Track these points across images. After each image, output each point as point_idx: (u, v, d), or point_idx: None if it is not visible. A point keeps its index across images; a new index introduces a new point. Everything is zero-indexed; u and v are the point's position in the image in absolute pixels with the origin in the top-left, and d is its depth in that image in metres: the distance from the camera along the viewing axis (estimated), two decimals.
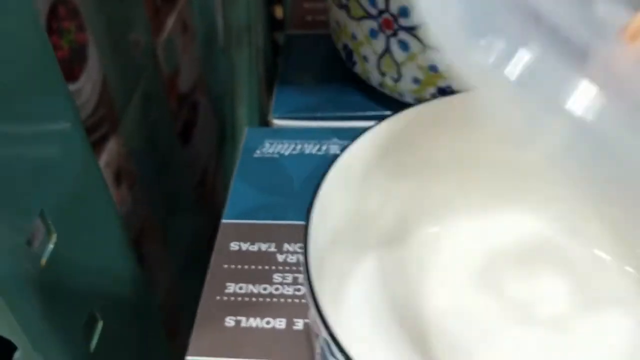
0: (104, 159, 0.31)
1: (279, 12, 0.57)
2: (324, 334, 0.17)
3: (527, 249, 0.24)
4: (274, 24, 0.57)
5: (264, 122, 0.39)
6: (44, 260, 0.20)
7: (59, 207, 0.20)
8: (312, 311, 0.17)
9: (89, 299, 0.23)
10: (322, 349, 0.17)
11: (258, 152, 0.30)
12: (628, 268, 0.23)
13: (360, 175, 0.22)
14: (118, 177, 0.33)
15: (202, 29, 0.47)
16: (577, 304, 0.23)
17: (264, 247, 0.26)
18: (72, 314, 0.22)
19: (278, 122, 0.31)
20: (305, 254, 0.18)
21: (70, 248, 0.21)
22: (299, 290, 0.25)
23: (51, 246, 0.20)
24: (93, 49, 0.29)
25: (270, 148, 0.30)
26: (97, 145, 0.30)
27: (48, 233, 0.20)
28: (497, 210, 0.25)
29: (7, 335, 0.19)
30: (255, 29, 0.52)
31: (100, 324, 0.24)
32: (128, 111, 0.33)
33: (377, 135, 0.22)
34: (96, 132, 0.30)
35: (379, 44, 0.28)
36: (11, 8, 0.18)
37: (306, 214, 0.19)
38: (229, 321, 0.24)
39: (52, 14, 0.26)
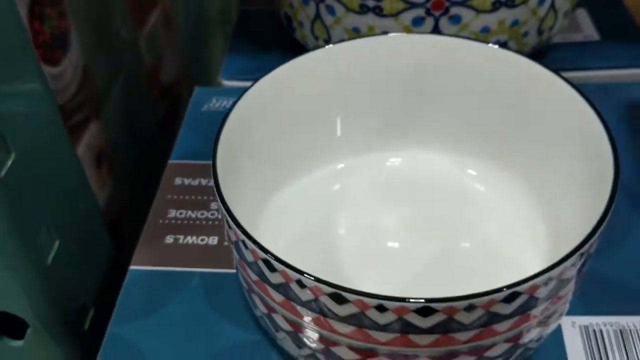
0: (84, 141, 0.33)
1: None
2: (234, 230, 0.20)
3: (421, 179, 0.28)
4: None
5: None
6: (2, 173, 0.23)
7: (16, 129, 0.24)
8: (220, 205, 0.21)
9: (43, 214, 0.27)
10: (235, 247, 0.21)
11: (205, 106, 0.34)
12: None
13: (257, 117, 0.25)
14: (98, 161, 0.34)
15: (185, 23, 0.49)
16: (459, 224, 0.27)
17: (203, 181, 0.30)
18: (28, 225, 0.25)
19: (226, 83, 0.35)
20: (214, 171, 0.22)
21: (27, 167, 0.25)
22: None
23: (9, 162, 0.23)
24: (74, 36, 0.31)
25: (217, 104, 0.34)
26: (77, 128, 0.32)
27: (7, 152, 0.24)
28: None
29: None
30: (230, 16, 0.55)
31: (56, 243, 0.27)
32: (109, 98, 0.35)
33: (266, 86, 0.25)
34: (76, 115, 0.32)
35: (311, 10, 0.32)
36: None
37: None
38: (169, 239, 0.28)
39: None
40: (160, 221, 0.28)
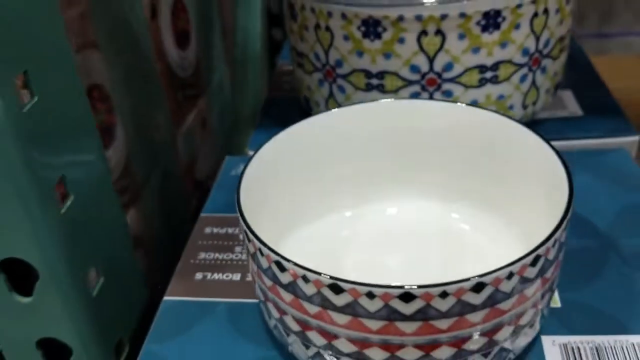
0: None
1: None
2: (251, 240, 0.24)
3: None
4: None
5: None
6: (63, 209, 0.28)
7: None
8: (241, 222, 0.25)
9: (94, 256, 0.31)
10: (253, 258, 0.25)
11: (234, 171, 0.39)
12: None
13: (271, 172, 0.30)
14: (135, 243, 0.37)
15: (219, 124, 0.55)
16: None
17: (230, 230, 0.35)
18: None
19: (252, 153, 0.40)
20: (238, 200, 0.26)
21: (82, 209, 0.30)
22: None
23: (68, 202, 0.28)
24: (120, 129, 0.35)
25: None
26: None
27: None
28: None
29: None
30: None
31: (101, 280, 0.32)
32: (147, 188, 0.39)
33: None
34: (119, 198, 0.33)
35: (325, 90, 0.38)
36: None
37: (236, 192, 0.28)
38: (198, 276, 0.32)
39: (89, 94, 0.31)
40: (192, 261, 0.33)
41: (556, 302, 0.29)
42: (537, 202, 0.28)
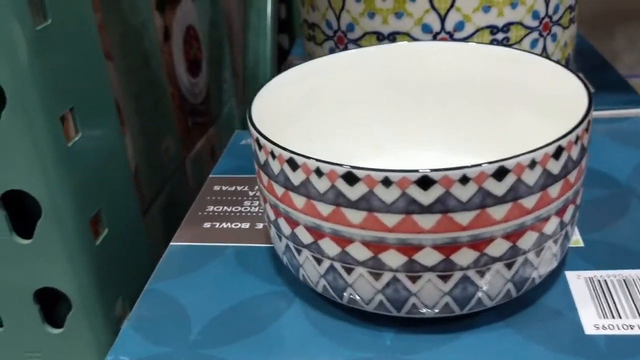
0: None
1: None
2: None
3: None
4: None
5: None
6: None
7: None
8: (251, 129, 0.25)
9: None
10: (264, 168, 0.24)
11: (243, 142, 0.38)
12: None
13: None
14: None
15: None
16: None
17: (239, 187, 0.34)
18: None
19: None
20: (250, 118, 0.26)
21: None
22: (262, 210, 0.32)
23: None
24: (129, 144, 0.36)
25: None
26: None
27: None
28: None
29: None
30: None
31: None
32: (154, 206, 0.39)
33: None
34: None
35: None
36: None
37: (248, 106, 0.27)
38: (206, 225, 0.31)
39: None
40: (200, 213, 0.32)
41: (578, 242, 0.28)
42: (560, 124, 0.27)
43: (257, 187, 0.34)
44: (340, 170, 0.21)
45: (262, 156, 0.24)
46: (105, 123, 0.30)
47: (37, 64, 0.25)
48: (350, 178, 0.21)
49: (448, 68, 0.31)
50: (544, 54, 0.37)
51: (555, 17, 0.36)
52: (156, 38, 0.40)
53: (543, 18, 0.36)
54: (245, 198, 0.33)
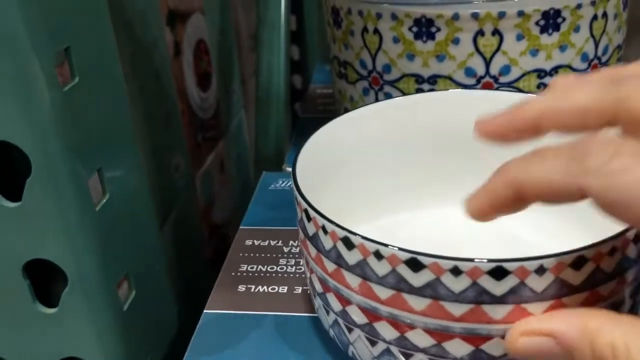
0: None
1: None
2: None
3: None
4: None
5: None
6: None
7: None
8: (299, 198, 0.23)
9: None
10: (313, 240, 0.22)
11: (272, 186, 0.36)
12: None
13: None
14: None
15: (238, 172, 0.53)
16: None
17: (272, 242, 0.32)
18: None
19: (289, 169, 0.38)
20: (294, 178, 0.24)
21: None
22: (300, 269, 0.30)
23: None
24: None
25: (282, 184, 0.36)
26: None
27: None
28: None
29: None
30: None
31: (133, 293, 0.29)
32: (165, 225, 0.37)
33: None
34: None
35: (370, 99, 0.36)
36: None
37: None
38: (241, 287, 0.29)
39: None
40: (233, 274, 0.30)
41: None
42: None
43: (292, 243, 0.32)
44: (404, 256, 0.19)
45: (310, 228, 0.22)
46: (130, 180, 0.28)
47: (62, 126, 0.23)
48: (415, 264, 0.19)
49: None
50: None
51: (604, 58, 0.34)
52: (167, 54, 0.38)
53: (592, 60, 0.34)
54: (280, 255, 0.31)
